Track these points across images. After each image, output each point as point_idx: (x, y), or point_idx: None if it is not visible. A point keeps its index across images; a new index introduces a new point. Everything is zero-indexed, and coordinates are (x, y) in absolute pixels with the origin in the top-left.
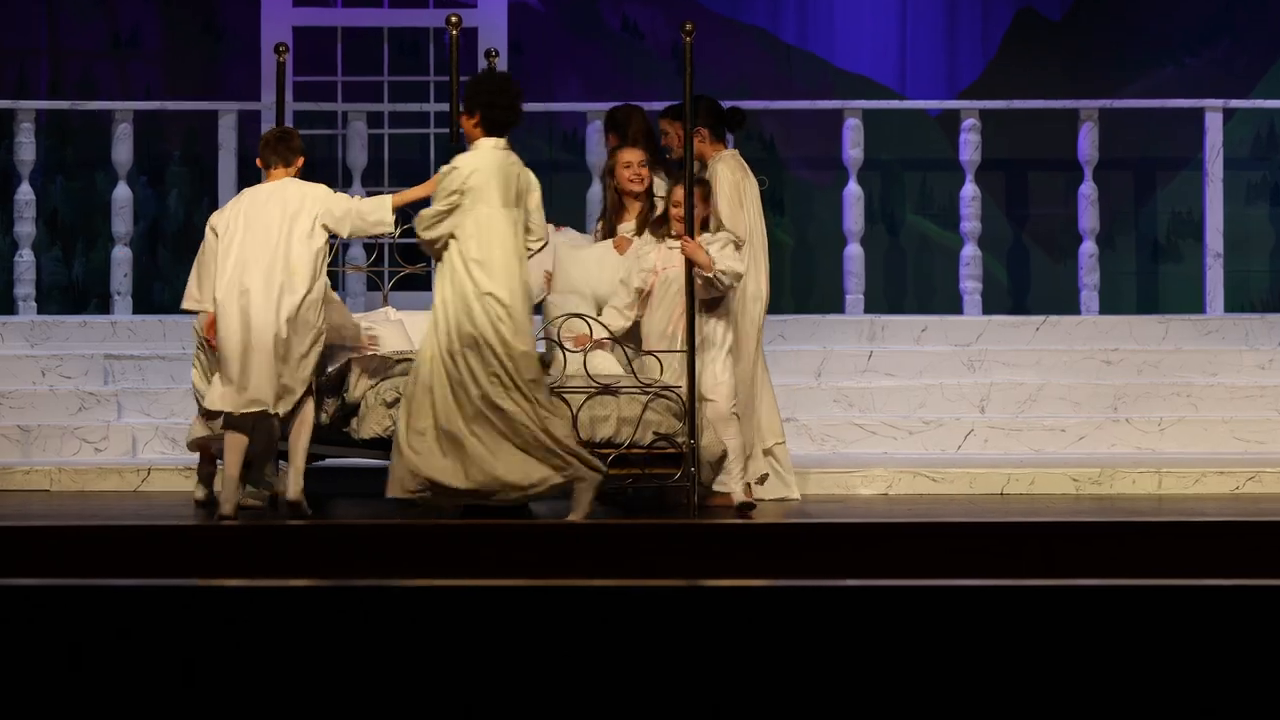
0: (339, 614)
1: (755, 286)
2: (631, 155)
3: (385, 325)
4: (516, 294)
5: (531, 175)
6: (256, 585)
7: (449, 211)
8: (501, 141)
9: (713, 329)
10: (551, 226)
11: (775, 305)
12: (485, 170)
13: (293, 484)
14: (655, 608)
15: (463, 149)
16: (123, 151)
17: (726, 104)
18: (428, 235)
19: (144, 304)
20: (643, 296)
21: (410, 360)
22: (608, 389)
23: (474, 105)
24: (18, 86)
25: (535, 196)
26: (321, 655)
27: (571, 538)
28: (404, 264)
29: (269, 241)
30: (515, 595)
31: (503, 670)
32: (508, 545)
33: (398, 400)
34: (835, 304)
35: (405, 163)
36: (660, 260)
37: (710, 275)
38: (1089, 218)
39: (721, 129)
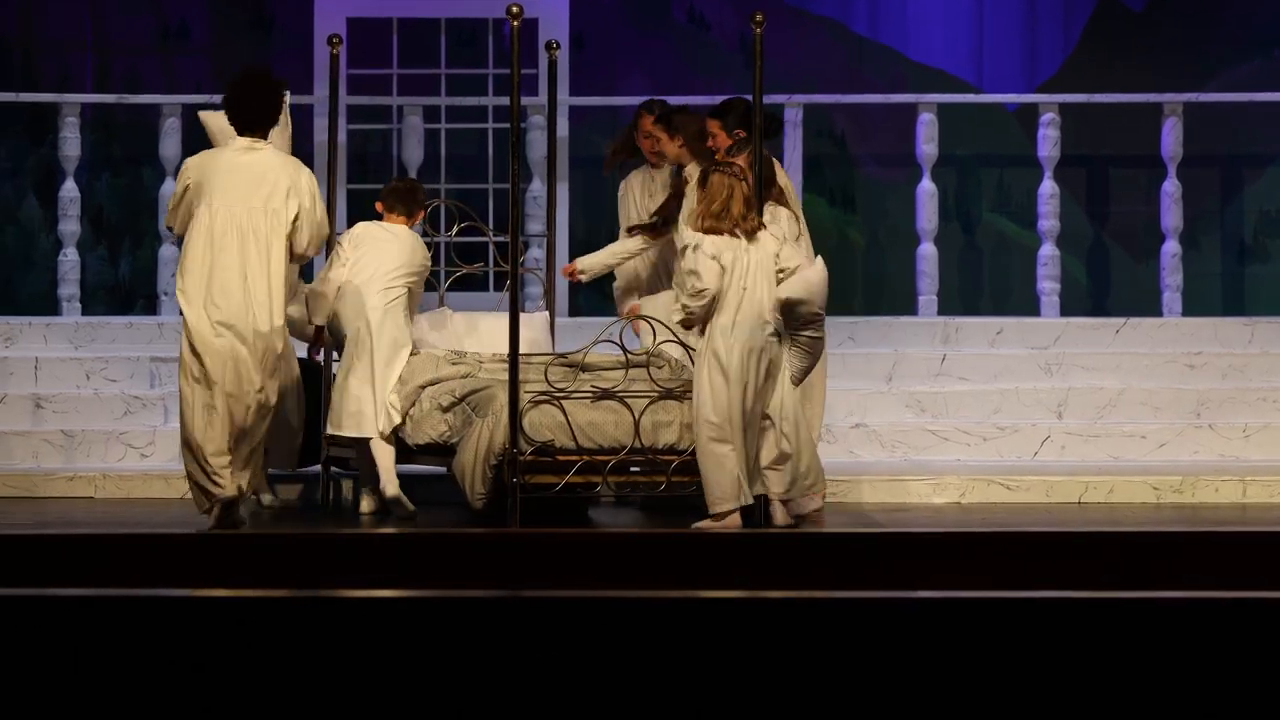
0: (406, 624)
1: None
2: None
3: (439, 325)
4: (239, 292)
5: (301, 178)
6: (307, 595)
7: (177, 203)
8: (244, 140)
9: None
10: None
11: (846, 307)
12: (216, 168)
13: (388, 481)
14: (717, 620)
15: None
16: (170, 147)
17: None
18: (168, 222)
19: None
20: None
21: (464, 363)
22: (670, 394)
23: (224, 103)
24: (62, 80)
25: (302, 201)
26: (362, 664)
27: (631, 548)
28: (461, 264)
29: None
30: (567, 607)
31: (560, 683)
32: (559, 555)
33: (453, 405)
34: (907, 305)
35: (463, 159)
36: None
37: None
38: (1172, 216)
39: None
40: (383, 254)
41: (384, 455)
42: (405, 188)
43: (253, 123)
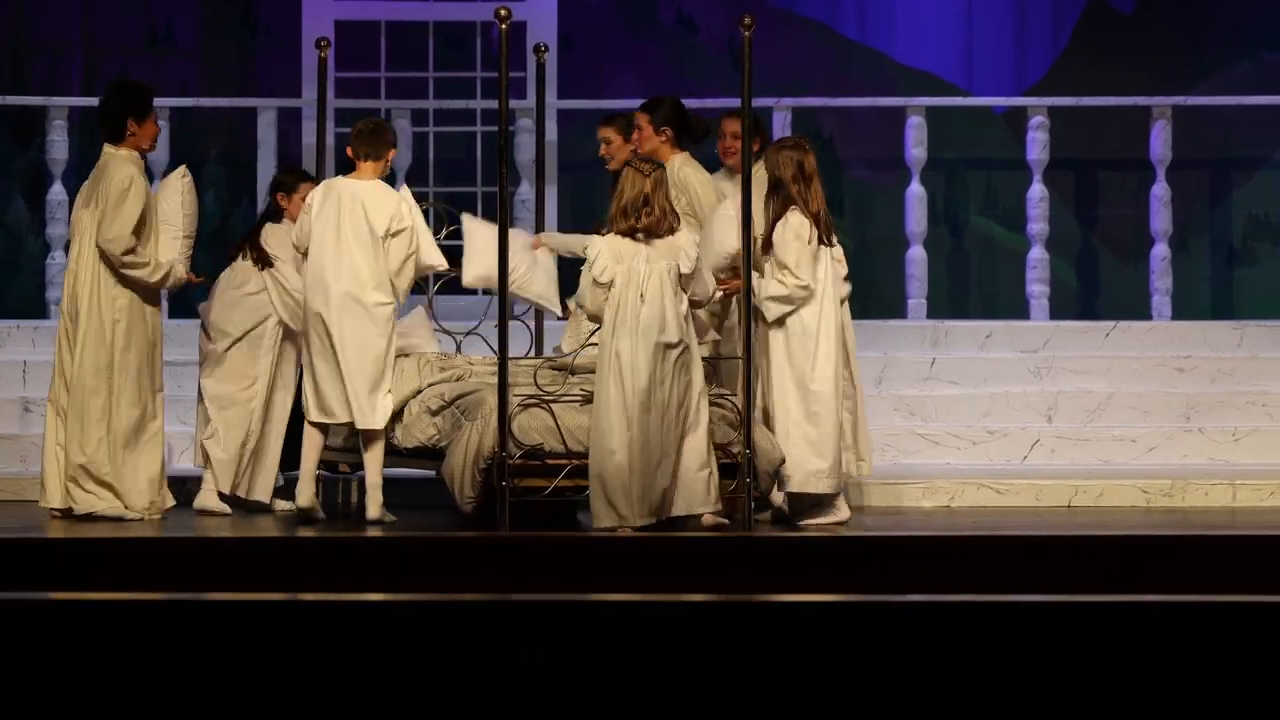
0: (396, 628)
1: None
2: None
3: (424, 328)
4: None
5: (116, 175)
6: (297, 599)
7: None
8: (107, 147)
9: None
10: None
11: None
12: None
13: (371, 503)
14: (706, 623)
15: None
16: (156, 150)
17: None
18: None
19: (180, 308)
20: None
21: (454, 366)
22: None
23: None
24: (50, 82)
25: (112, 198)
26: (352, 667)
27: (620, 551)
28: (450, 267)
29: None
30: (557, 610)
31: (549, 686)
32: (548, 558)
33: (442, 408)
34: (896, 309)
35: (451, 162)
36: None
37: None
38: (1161, 219)
39: (683, 135)
40: (351, 227)
41: (373, 469)
42: (371, 129)
43: (104, 132)
